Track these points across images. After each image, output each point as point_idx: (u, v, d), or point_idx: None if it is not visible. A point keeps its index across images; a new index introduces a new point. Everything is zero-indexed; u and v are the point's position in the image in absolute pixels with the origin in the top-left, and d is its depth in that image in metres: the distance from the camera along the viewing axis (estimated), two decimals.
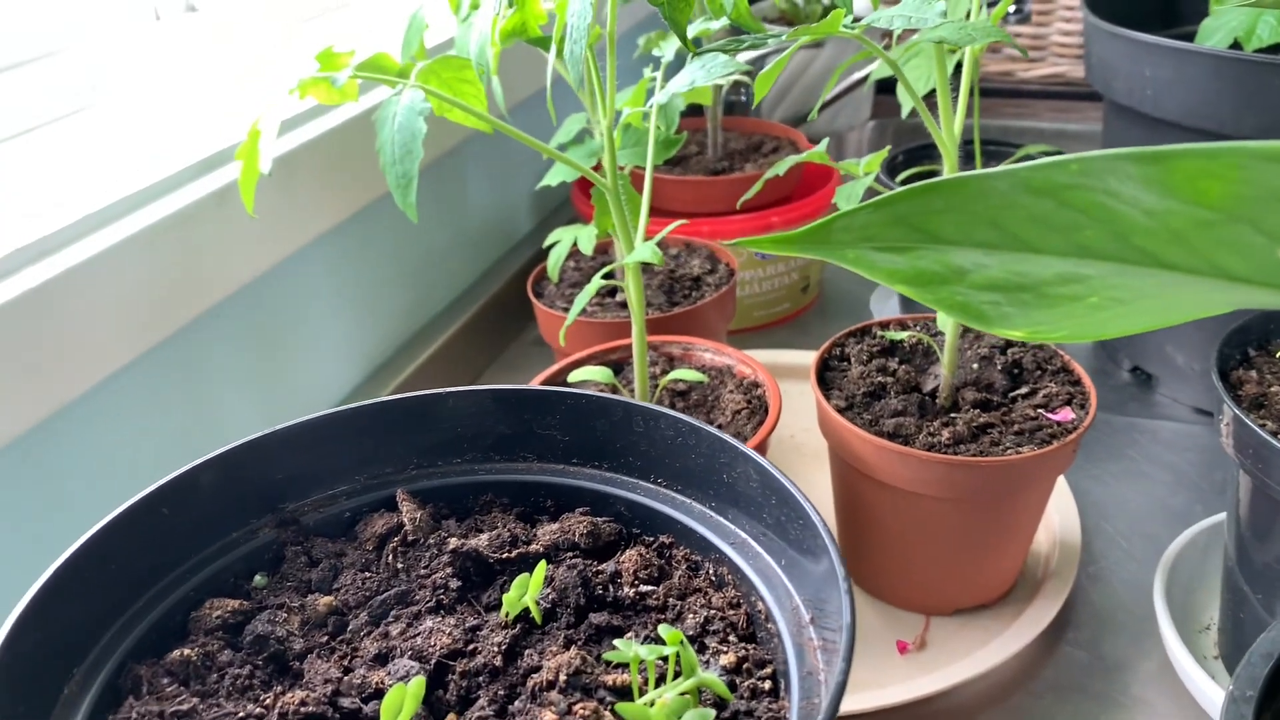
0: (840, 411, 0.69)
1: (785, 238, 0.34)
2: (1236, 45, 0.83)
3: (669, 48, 0.70)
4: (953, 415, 0.69)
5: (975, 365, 0.73)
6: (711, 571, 0.41)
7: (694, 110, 1.21)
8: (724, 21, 0.67)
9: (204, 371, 0.71)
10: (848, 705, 0.65)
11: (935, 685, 0.66)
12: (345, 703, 0.36)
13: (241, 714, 0.36)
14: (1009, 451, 0.65)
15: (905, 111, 0.79)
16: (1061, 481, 0.81)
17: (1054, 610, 0.70)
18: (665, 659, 0.36)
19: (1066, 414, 0.68)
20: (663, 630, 0.36)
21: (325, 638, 0.40)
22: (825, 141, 0.72)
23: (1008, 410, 0.69)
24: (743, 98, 1.35)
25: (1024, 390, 0.71)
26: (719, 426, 0.70)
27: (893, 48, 0.70)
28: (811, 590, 0.36)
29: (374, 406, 0.45)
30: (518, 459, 0.46)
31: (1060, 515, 0.78)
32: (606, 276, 0.68)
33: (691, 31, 0.67)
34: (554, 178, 0.79)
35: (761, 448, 0.67)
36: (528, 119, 1.00)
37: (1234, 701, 0.37)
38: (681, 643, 0.36)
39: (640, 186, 0.69)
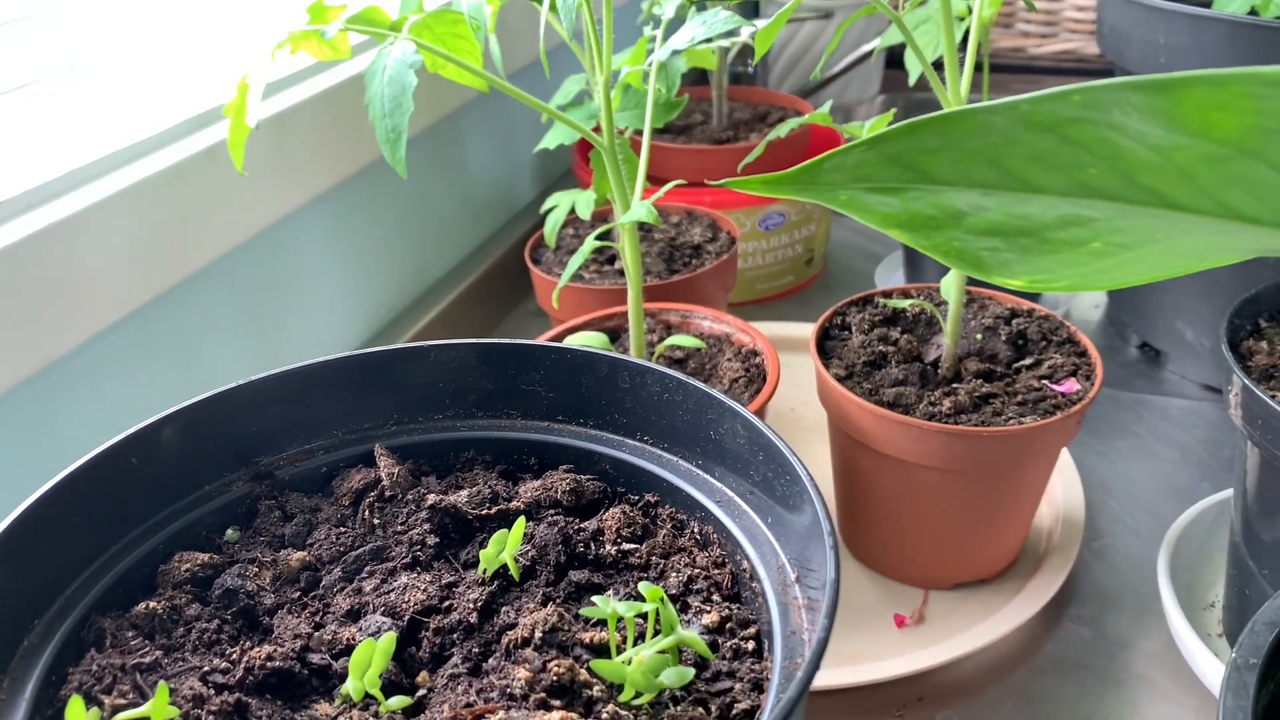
0: (840, 380, 0.67)
1: (775, 178, 0.33)
2: (1254, 13, 0.81)
3: (669, 5, 0.69)
4: (955, 385, 0.67)
5: (979, 335, 0.72)
6: (697, 530, 0.40)
7: (700, 79, 1.19)
8: None
9: (198, 330, 0.70)
10: (844, 679, 0.64)
11: (933, 659, 0.65)
12: (314, 658, 0.35)
13: (207, 668, 0.34)
14: (1011, 422, 0.63)
15: (913, 78, 0.77)
16: (1066, 456, 0.79)
17: (1055, 586, 0.69)
18: (645, 617, 0.35)
19: (1071, 385, 0.66)
20: (643, 588, 0.34)
21: (297, 593, 0.39)
22: (829, 104, 0.71)
23: (1011, 381, 0.68)
24: (749, 69, 1.33)
25: (1028, 361, 0.70)
26: None
27: (901, 11, 0.68)
28: (797, 548, 0.35)
29: (353, 359, 0.43)
30: (501, 415, 0.45)
31: (1064, 490, 0.77)
32: (602, 237, 0.67)
33: None
34: (552, 140, 0.78)
35: (759, 416, 0.65)
36: (527, 85, 0.98)
37: (1237, 670, 0.35)
38: (662, 600, 0.34)
39: (640, 151, 0.68)
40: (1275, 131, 0.27)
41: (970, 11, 0.72)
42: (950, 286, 0.68)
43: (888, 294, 0.75)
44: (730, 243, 0.85)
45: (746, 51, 1.32)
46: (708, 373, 0.71)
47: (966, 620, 0.68)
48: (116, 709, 0.33)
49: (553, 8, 0.58)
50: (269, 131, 0.72)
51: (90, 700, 0.33)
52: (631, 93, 0.76)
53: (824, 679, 0.64)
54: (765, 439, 0.37)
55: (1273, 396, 0.58)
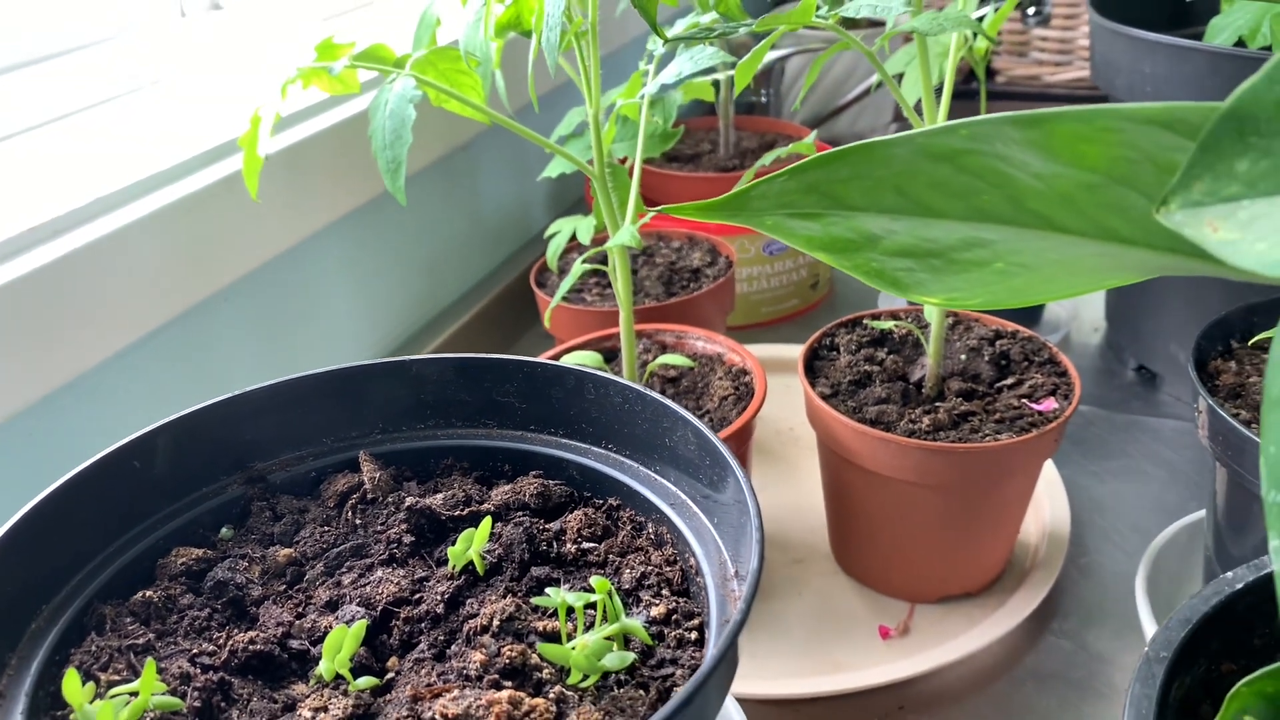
0: (825, 398, 0.70)
1: (708, 204, 0.36)
2: (1241, 44, 0.83)
3: (660, 41, 0.72)
4: (936, 404, 0.70)
5: (963, 356, 0.74)
6: (652, 531, 0.43)
7: (710, 109, 1.23)
8: (713, 15, 0.68)
9: (214, 351, 0.74)
10: (825, 686, 0.66)
11: (914, 668, 0.67)
12: (294, 644, 0.39)
13: (195, 651, 0.38)
14: (987, 439, 0.65)
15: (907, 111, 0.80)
16: (1054, 474, 0.81)
17: (1037, 599, 0.71)
18: (599, 615, 0.38)
19: (1050, 404, 0.68)
20: (593, 580, 0.37)
21: (283, 586, 0.42)
22: (814, 134, 0.74)
23: (992, 400, 0.70)
24: (763, 99, 1.36)
25: (1010, 381, 0.72)
26: (707, 412, 0.71)
27: (874, 47, 0.71)
28: (735, 545, 0.37)
29: (339, 372, 0.47)
30: (479, 425, 0.48)
31: (1051, 507, 0.79)
32: (591, 260, 0.70)
33: (681, 26, 0.69)
34: (554, 170, 0.82)
35: (745, 431, 0.68)
36: (544, 116, 1.02)
37: (1148, 661, 0.37)
38: (610, 593, 0.37)
39: (641, 180, 0.71)
40: (1138, 161, 0.30)
41: (966, 42, 0.75)
42: (932, 309, 0.71)
43: (876, 316, 0.78)
44: (728, 266, 0.88)
45: (760, 81, 1.36)
46: (700, 391, 0.74)
47: (950, 632, 0.70)
48: (111, 684, 0.36)
49: (538, 44, 0.61)
50: (285, 161, 0.76)
51: (88, 677, 0.36)
52: (630, 124, 0.79)
53: (806, 687, 0.67)
54: (711, 445, 0.40)
55: (1236, 415, 0.61)
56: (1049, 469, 0.82)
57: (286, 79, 0.64)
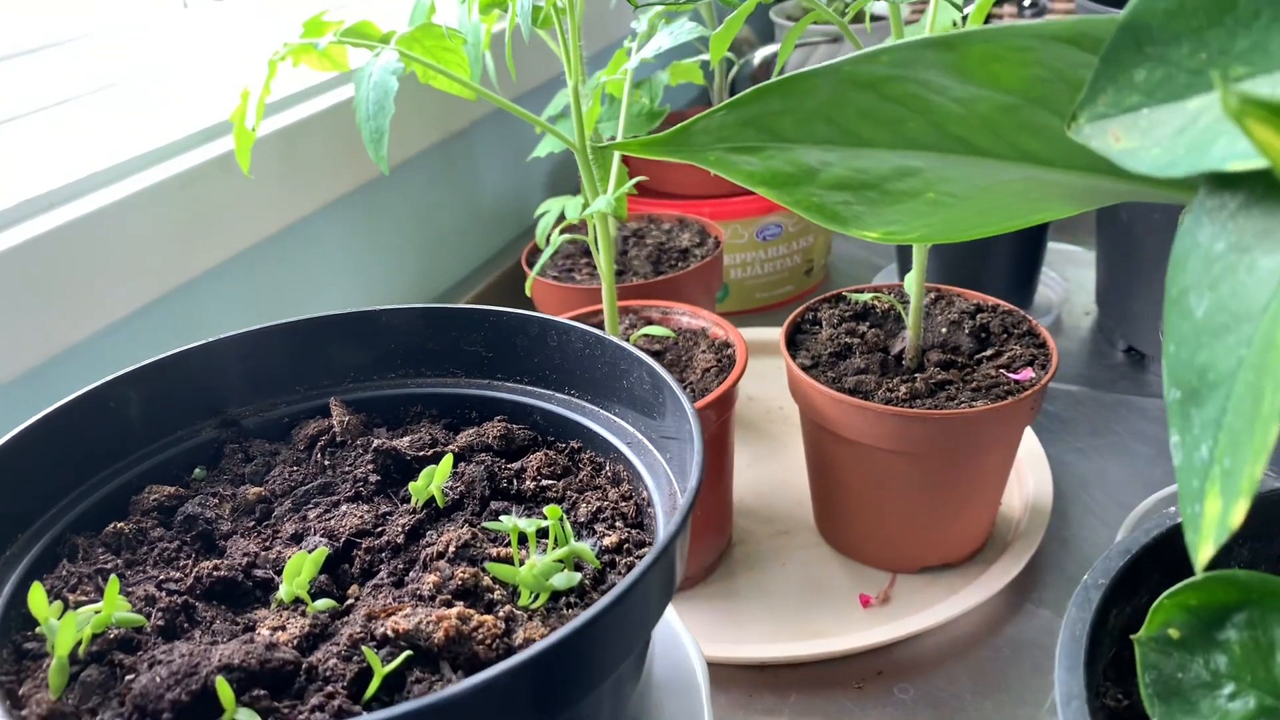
0: (805, 370, 0.71)
1: (650, 140, 0.37)
2: None
3: (644, 18, 0.73)
4: (915, 374, 0.71)
5: (944, 329, 0.75)
6: (610, 470, 0.44)
7: (708, 101, 1.24)
8: None
9: (206, 328, 0.76)
10: (805, 650, 0.67)
11: (893, 634, 0.68)
12: (258, 573, 0.40)
13: (162, 577, 0.39)
14: (963, 406, 0.66)
15: None
16: (1038, 450, 0.82)
17: (1016, 569, 0.72)
18: (551, 541, 0.39)
19: (1027, 374, 0.69)
20: (547, 510, 0.39)
21: (252, 522, 0.43)
22: None
23: (971, 370, 0.71)
24: None
25: (989, 352, 0.73)
26: (689, 384, 0.72)
27: (846, 17, 0.72)
28: (683, 475, 0.39)
29: (312, 320, 0.48)
30: (446, 374, 0.49)
31: (1035, 481, 0.79)
32: (571, 230, 0.71)
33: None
34: (543, 149, 0.83)
35: (726, 400, 0.69)
36: (539, 106, 1.04)
37: (1085, 588, 0.38)
38: (560, 519, 0.39)
39: (630, 159, 0.72)
40: (1050, 80, 0.31)
41: (956, 26, 0.76)
42: (912, 282, 0.72)
43: (859, 290, 0.79)
44: (715, 246, 0.89)
45: (759, 75, 1.37)
46: (683, 364, 0.75)
47: (929, 600, 0.71)
48: (79, 605, 0.38)
49: (545, 25, 0.63)
50: (281, 142, 0.78)
51: (56, 597, 0.38)
52: (615, 103, 0.81)
53: (786, 651, 0.67)
54: (664, 382, 0.41)
55: None
56: (1033, 443, 0.82)
57: (275, 55, 0.65)
